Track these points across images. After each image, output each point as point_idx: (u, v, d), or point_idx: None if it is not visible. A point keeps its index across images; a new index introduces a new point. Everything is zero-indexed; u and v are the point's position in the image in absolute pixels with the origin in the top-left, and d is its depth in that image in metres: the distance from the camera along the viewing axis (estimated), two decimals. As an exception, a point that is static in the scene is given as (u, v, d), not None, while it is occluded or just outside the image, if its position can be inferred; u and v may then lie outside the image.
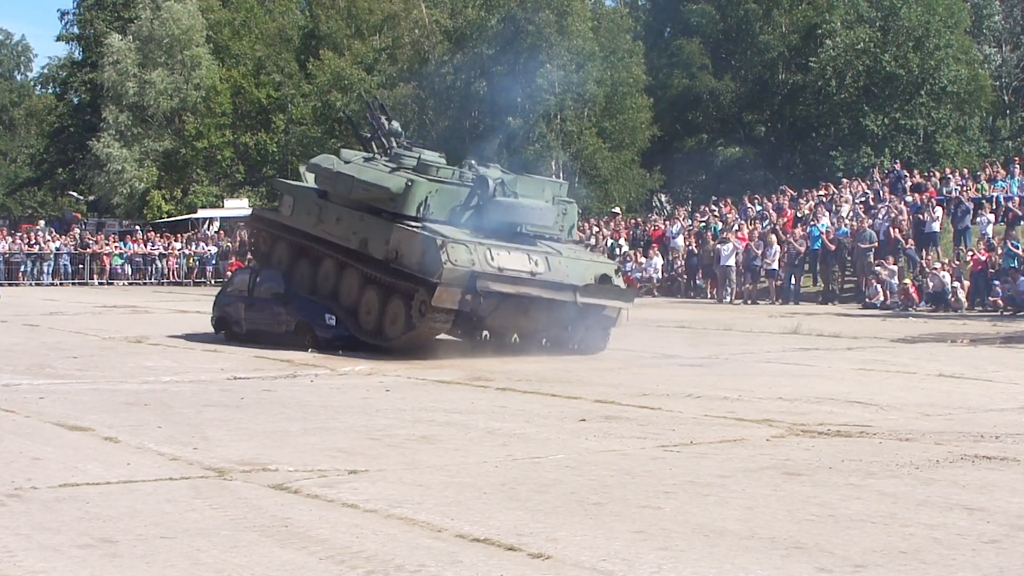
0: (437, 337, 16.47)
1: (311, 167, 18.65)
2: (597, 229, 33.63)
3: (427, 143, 40.07)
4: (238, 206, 48.01)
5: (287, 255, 18.44)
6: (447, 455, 8.60)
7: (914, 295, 24.55)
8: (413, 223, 15.94)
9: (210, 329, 18.59)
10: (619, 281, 17.03)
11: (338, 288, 17.21)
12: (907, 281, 24.93)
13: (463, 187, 16.63)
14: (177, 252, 42.03)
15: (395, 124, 19.40)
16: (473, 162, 17.35)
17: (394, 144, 18.33)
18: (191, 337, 18.59)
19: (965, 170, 32.10)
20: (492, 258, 15.60)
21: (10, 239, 42.25)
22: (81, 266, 41.12)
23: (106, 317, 24.07)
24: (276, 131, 51.20)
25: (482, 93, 37.36)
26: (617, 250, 32.66)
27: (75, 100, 63.03)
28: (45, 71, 73.31)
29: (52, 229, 47.72)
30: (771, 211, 30.57)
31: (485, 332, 16.50)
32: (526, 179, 17.60)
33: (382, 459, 8.40)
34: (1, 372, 13.93)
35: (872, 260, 26.24)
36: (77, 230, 45.73)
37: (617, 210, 35.95)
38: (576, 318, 16.00)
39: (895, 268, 25.51)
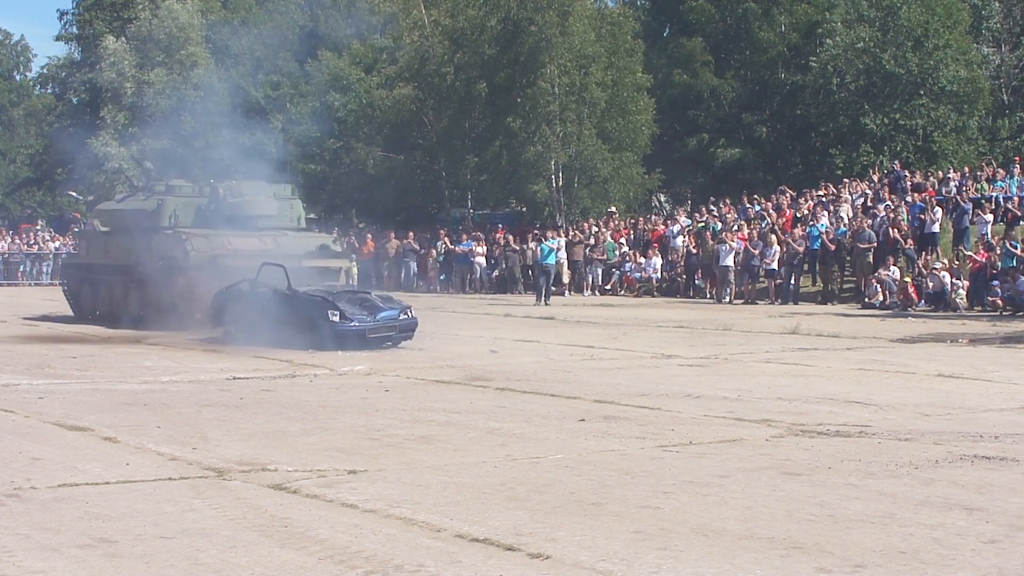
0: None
1: (96, 212, 25.01)
2: (596, 229, 33.61)
3: (426, 144, 40.20)
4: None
5: (89, 289, 23.31)
6: (446, 455, 8.61)
7: (913, 295, 24.55)
8: (168, 231, 21.16)
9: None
10: (336, 248, 22.29)
11: (126, 301, 21.67)
12: (907, 281, 24.92)
13: (202, 198, 22.05)
14: (176, 252, 41.89)
15: (147, 163, 26.11)
16: (212, 180, 22.77)
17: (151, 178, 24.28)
18: (190, 335, 18.60)
19: (966, 168, 32.08)
20: (230, 243, 20.41)
21: (9, 239, 42.24)
22: (80, 266, 40.99)
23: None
24: (274, 131, 51.15)
25: (483, 94, 37.29)
26: (617, 250, 32.67)
27: (74, 100, 62.97)
28: (44, 71, 73.25)
29: (51, 229, 47.70)
30: (770, 211, 30.57)
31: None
32: (249, 183, 22.74)
33: (381, 459, 8.41)
34: (1, 372, 13.94)
35: (871, 260, 26.24)
36: (76, 230, 45.69)
37: (613, 209, 35.91)
38: (308, 279, 19.00)
39: (896, 270, 25.47)
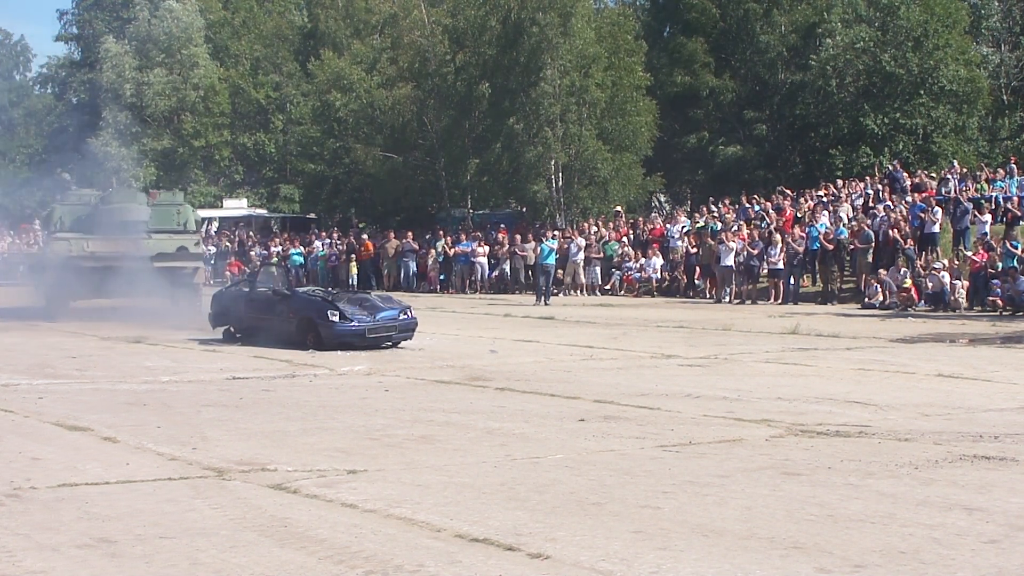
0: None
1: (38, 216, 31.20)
2: (596, 229, 33.58)
3: (426, 144, 40.15)
4: (237, 206, 48.07)
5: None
6: (446, 455, 8.61)
7: (913, 295, 24.53)
8: (49, 235, 24.68)
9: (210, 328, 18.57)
10: (196, 251, 24.34)
11: (37, 292, 25.02)
12: (907, 281, 24.89)
13: (86, 206, 24.44)
14: (176, 252, 41.88)
15: (64, 174, 29.72)
16: (113, 187, 26.12)
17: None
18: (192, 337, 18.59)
19: (965, 168, 32.03)
20: (87, 246, 23.10)
21: (10, 239, 42.22)
22: (80, 266, 40.95)
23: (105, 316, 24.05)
24: (275, 131, 51.17)
25: (485, 95, 37.21)
26: (617, 249, 32.65)
27: (74, 100, 63.01)
28: (44, 71, 73.29)
29: (51, 229, 47.54)
30: (770, 211, 30.54)
31: (79, 301, 23.44)
32: (123, 191, 26.08)
33: (381, 459, 8.41)
34: (1, 372, 13.93)
35: (871, 260, 26.21)
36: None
37: (619, 209, 35.89)
38: (159, 279, 21.82)
39: (906, 272, 25.34)
